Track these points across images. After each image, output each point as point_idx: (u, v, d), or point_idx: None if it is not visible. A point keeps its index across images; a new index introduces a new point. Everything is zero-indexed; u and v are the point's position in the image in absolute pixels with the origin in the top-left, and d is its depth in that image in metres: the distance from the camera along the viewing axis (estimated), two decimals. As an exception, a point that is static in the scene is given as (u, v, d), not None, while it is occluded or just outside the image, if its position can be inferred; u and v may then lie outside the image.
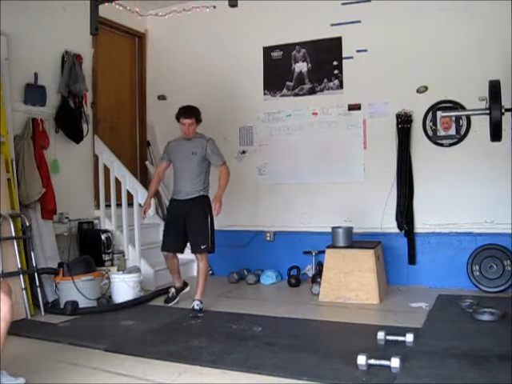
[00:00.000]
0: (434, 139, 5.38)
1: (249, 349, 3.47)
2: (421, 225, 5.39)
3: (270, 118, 6.06)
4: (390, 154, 5.45)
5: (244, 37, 6.12)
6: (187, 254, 6.12)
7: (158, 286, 5.40)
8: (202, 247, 4.50)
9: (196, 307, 4.40)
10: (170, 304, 4.70)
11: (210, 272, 6.28)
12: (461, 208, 5.22)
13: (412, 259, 5.41)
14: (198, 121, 4.62)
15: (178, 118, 4.58)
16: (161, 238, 4.89)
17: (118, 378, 3.04)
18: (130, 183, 5.81)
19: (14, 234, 4.48)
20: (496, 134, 4.01)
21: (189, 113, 4.56)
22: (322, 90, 5.84)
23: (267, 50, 6.08)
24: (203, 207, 4.56)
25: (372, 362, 2.99)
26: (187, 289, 4.88)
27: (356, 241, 5.13)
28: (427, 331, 3.76)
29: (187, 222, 4.54)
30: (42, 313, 4.50)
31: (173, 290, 4.80)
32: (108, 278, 4.95)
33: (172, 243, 4.63)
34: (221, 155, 4.66)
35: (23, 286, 4.43)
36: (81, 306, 4.53)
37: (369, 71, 5.57)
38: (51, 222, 5.07)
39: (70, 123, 5.41)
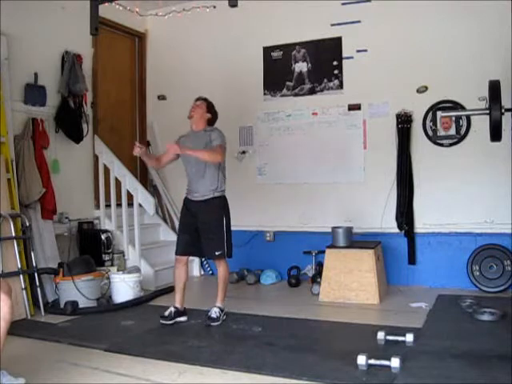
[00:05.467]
0: (434, 139, 5.38)
1: (249, 349, 3.47)
2: (421, 225, 5.39)
3: (270, 118, 6.06)
4: (390, 154, 5.45)
5: (244, 37, 6.12)
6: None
7: (157, 286, 5.40)
8: (217, 253, 4.13)
9: (213, 315, 4.09)
10: (163, 322, 4.13)
11: (210, 272, 6.29)
12: (461, 208, 5.22)
13: (412, 259, 5.41)
14: (211, 112, 4.30)
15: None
16: (161, 238, 4.84)
17: (118, 378, 3.04)
18: (130, 183, 5.81)
19: (14, 234, 4.49)
20: (496, 134, 4.01)
21: (201, 97, 4.34)
22: (322, 90, 5.84)
23: (267, 50, 6.08)
24: (218, 210, 4.17)
25: (372, 362, 2.99)
26: (184, 318, 4.24)
27: (356, 241, 5.13)
28: (427, 331, 3.76)
29: (200, 226, 4.16)
30: (42, 313, 4.51)
31: (171, 309, 4.20)
32: (108, 278, 4.95)
33: (185, 246, 4.21)
34: (222, 140, 4.17)
35: (23, 286, 4.43)
36: (81, 306, 4.53)
37: (369, 71, 5.57)
38: (51, 222, 5.07)
39: (69, 123, 5.42)
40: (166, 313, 4.18)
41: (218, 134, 4.21)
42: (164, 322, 4.13)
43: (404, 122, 5.40)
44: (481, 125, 4.87)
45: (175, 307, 4.23)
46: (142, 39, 6.69)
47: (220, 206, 4.20)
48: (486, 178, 5.12)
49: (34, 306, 4.51)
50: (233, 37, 6.17)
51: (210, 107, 4.34)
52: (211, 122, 4.34)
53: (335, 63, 5.75)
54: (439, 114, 5.24)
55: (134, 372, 3.12)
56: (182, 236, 4.27)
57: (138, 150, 4.19)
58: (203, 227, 4.16)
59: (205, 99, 4.35)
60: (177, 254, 4.27)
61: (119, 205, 5.73)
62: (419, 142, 5.41)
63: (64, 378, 3.03)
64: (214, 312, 4.13)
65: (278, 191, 6.01)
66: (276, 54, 6.05)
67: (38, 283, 4.58)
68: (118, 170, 5.79)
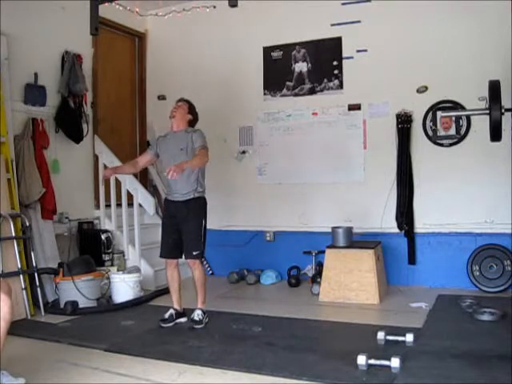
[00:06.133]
0: (434, 139, 5.37)
1: (249, 349, 3.47)
2: (421, 225, 5.39)
3: (270, 118, 6.06)
4: (390, 154, 5.45)
5: (244, 37, 6.12)
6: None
7: (158, 286, 5.40)
8: (195, 253, 4.12)
9: (196, 318, 4.10)
10: (164, 325, 4.11)
11: (210, 272, 6.29)
12: (461, 208, 5.22)
13: (412, 259, 5.41)
14: (192, 113, 4.30)
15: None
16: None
17: (118, 378, 3.04)
18: (130, 183, 5.81)
19: (14, 234, 4.49)
20: (496, 134, 4.01)
21: (183, 98, 4.36)
22: (322, 90, 5.84)
23: (267, 50, 6.08)
24: (198, 211, 4.19)
25: (372, 361, 2.99)
26: (184, 319, 4.23)
27: (356, 241, 5.13)
28: (427, 331, 3.76)
29: (181, 227, 4.18)
30: (42, 313, 4.51)
31: (171, 312, 4.20)
32: (108, 278, 4.95)
33: (169, 248, 4.23)
34: (204, 141, 4.17)
35: (23, 286, 4.44)
36: (81, 306, 4.53)
37: (369, 71, 5.57)
38: (51, 222, 5.07)
39: (70, 123, 5.41)
40: (166, 315, 4.18)
41: (200, 134, 4.22)
42: (164, 325, 4.12)
43: (404, 122, 5.40)
44: (481, 125, 4.87)
45: (174, 309, 4.23)
46: (142, 39, 6.69)
47: (200, 206, 4.22)
48: (486, 178, 5.12)
49: (34, 306, 4.52)
50: (233, 37, 6.17)
51: (192, 109, 4.36)
52: (192, 123, 4.34)
53: (335, 63, 5.75)
54: (439, 113, 5.24)
55: (133, 372, 3.12)
56: (165, 239, 4.27)
57: (105, 176, 4.53)
58: (183, 227, 4.17)
59: (186, 100, 4.37)
60: (161, 256, 4.28)
61: (119, 205, 5.73)
62: (419, 142, 5.41)
63: (64, 378, 3.03)
64: (197, 315, 4.12)
65: (277, 191, 6.01)
66: (276, 54, 6.05)
67: (37, 283, 4.58)
68: (118, 170, 5.79)
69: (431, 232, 5.36)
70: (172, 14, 6.33)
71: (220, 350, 3.46)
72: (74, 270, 4.64)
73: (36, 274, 4.61)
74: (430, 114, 5.37)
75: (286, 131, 5.98)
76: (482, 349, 3.31)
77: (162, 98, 6.65)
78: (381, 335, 3.44)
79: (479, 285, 5.03)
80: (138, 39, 6.68)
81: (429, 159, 5.36)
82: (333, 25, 5.68)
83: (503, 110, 3.94)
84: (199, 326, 4.07)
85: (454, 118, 5.25)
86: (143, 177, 6.59)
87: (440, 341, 3.48)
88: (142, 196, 5.85)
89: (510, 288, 4.93)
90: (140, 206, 5.81)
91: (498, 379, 2.82)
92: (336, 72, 5.76)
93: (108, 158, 5.79)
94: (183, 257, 4.24)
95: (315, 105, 5.84)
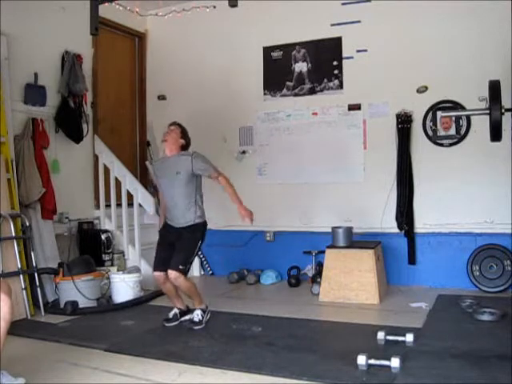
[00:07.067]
0: (434, 139, 5.38)
1: (249, 349, 3.47)
2: (421, 225, 5.39)
3: (270, 118, 6.06)
4: (390, 154, 5.45)
5: (244, 37, 6.12)
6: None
7: (157, 286, 5.39)
8: (181, 267, 3.98)
9: (195, 319, 4.08)
10: (168, 325, 4.12)
11: (210, 272, 6.29)
12: (461, 208, 5.22)
13: (412, 259, 5.41)
14: (185, 138, 4.28)
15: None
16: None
17: (118, 378, 3.04)
18: (130, 183, 5.82)
19: (14, 234, 4.49)
20: (496, 134, 4.01)
21: (175, 122, 4.35)
22: (322, 90, 5.84)
23: (267, 50, 6.08)
24: (195, 234, 4.15)
25: (372, 361, 2.99)
26: (188, 316, 4.20)
27: (356, 241, 5.13)
28: (427, 331, 3.76)
29: (176, 242, 4.14)
30: (42, 313, 4.51)
31: (175, 311, 4.21)
32: (108, 278, 4.95)
33: (161, 263, 4.13)
34: (213, 165, 4.21)
35: (23, 286, 4.44)
36: (81, 306, 4.53)
37: (369, 71, 5.57)
38: (51, 222, 5.07)
39: (70, 123, 5.42)
40: (170, 315, 4.18)
41: (202, 159, 4.18)
42: (168, 324, 4.11)
43: (404, 122, 5.40)
44: (481, 125, 4.86)
45: (178, 308, 4.23)
46: (142, 39, 6.69)
47: (200, 230, 4.19)
48: (486, 178, 5.12)
49: (34, 306, 4.52)
50: (233, 37, 6.17)
51: (184, 133, 4.32)
52: (184, 147, 4.30)
53: (335, 63, 5.75)
54: (439, 113, 5.24)
55: (133, 372, 3.12)
56: (158, 256, 4.21)
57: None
58: (178, 243, 4.12)
59: (179, 124, 4.34)
60: (154, 271, 4.20)
61: (119, 205, 5.73)
62: (419, 142, 5.41)
63: (64, 378, 3.03)
64: (196, 315, 4.10)
65: (278, 191, 6.01)
66: (276, 54, 6.05)
67: (37, 283, 4.58)
68: (118, 170, 5.79)
69: (431, 232, 5.36)
70: (172, 13, 6.33)
71: (220, 350, 3.46)
72: (74, 270, 4.64)
73: (36, 274, 4.61)
74: (430, 114, 5.37)
75: (286, 131, 5.98)
76: (482, 349, 3.31)
77: (162, 97, 6.65)
78: (381, 335, 3.44)
79: (479, 285, 5.03)
80: (137, 39, 6.68)
81: (429, 159, 5.36)
82: (333, 25, 5.68)
83: (503, 110, 3.93)
84: (200, 327, 4.05)
85: (453, 118, 5.25)
86: (143, 177, 6.59)
87: (440, 341, 3.48)
88: (142, 196, 5.85)
89: (510, 288, 4.93)
90: (140, 205, 5.81)
91: (497, 379, 2.82)
92: (336, 72, 5.76)
93: (108, 158, 5.79)
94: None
95: (315, 105, 5.84)
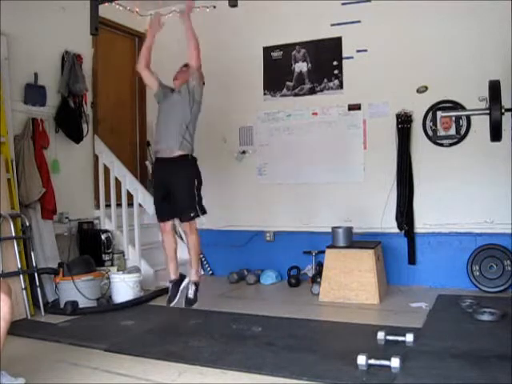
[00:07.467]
0: (434, 139, 5.38)
1: (249, 349, 3.46)
2: (421, 225, 5.39)
3: (270, 118, 6.06)
4: (390, 154, 5.45)
5: (244, 37, 6.12)
6: (187, 254, 6.17)
7: (157, 286, 5.40)
8: (192, 215, 4.07)
9: (191, 295, 4.08)
10: (173, 303, 4.20)
11: (210, 272, 6.29)
12: (461, 208, 5.22)
13: (412, 259, 5.41)
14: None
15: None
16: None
17: (118, 378, 3.04)
18: (130, 183, 5.82)
19: (14, 234, 4.49)
20: (496, 134, 4.01)
21: (186, 63, 4.40)
22: (322, 90, 5.84)
23: (267, 50, 6.08)
24: (188, 170, 4.17)
25: (372, 361, 2.99)
26: (185, 281, 4.29)
27: (356, 241, 5.13)
28: (427, 331, 3.76)
29: (172, 189, 4.15)
30: (42, 313, 4.51)
31: (169, 286, 4.30)
32: (108, 278, 4.94)
33: (167, 211, 4.19)
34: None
35: (23, 286, 4.43)
36: (81, 306, 4.53)
37: (369, 71, 5.57)
38: (51, 222, 5.07)
39: (70, 123, 5.41)
40: (169, 294, 4.25)
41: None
42: (172, 303, 4.19)
43: (404, 122, 5.40)
44: (481, 125, 4.86)
45: (172, 280, 4.25)
46: (142, 39, 6.63)
47: (189, 164, 4.20)
48: (486, 178, 5.12)
49: (34, 306, 4.51)
50: (233, 37, 6.16)
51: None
52: None
53: (335, 63, 5.75)
54: (439, 113, 5.24)
55: (133, 372, 3.12)
56: (158, 204, 4.29)
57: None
58: (176, 191, 4.13)
59: (187, 65, 4.42)
60: (160, 221, 4.29)
61: (119, 205, 5.73)
62: (419, 142, 5.41)
63: (64, 378, 3.03)
64: (192, 292, 4.10)
65: (278, 191, 6.01)
66: (276, 54, 6.05)
67: (38, 283, 4.58)
68: (118, 170, 5.79)
69: (431, 232, 5.36)
70: (172, 13, 6.32)
71: (220, 349, 3.46)
72: (74, 270, 4.64)
73: (36, 274, 4.61)
74: (430, 114, 5.37)
75: (286, 131, 5.98)
76: (482, 349, 3.31)
77: (162, 97, 6.63)
78: (381, 335, 3.43)
79: (479, 285, 5.03)
80: (138, 39, 6.68)
81: (429, 159, 5.36)
82: (333, 25, 5.68)
83: (503, 110, 3.93)
84: (195, 305, 4.06)
85: (453, 118, 5.25)
86: (143, 177, 6.59)
87: (440, 341, 3.48)
88: (142, 196, 5.85)
89: (510, 288, 4.93)
90: (140, 205, 5.81)
91: (498, 379, 2.82)
92: (336, 72, 5.76)
93: (108, 158, 5.79)
94: (179, 226, 4.24)
95: (315, 105, 5.84)
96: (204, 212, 4.22)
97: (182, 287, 4.25)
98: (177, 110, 4.24)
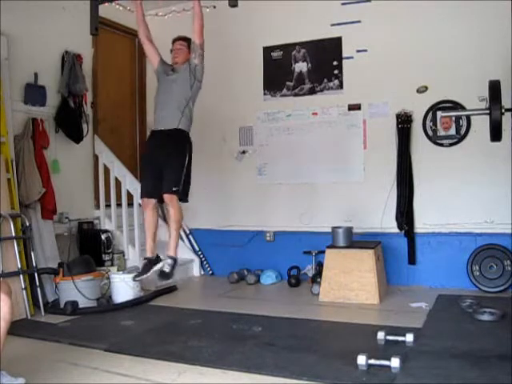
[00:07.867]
0: (434, 139, 5.37)
1: (249, 349, 3.47)
2: (421, 225, 5.39)
3: (270, 118, 6.06)
4: (390, 154, 5.45)
5: (244, 37, 6.12)
6: (187, 254, 6.18)
7: (157, 286, 5.38)
8: (174, 189, 3.95)
9: (166, 269, 3.93)
10: (140, 278, 4.06)
11: (210, 272, 6.29)
12: (461, 208, 5.22)
13: (412, 259, 5.41)
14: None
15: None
16: (161, 238, 4.81)
17: (117, 378, 3.04)
18: (130, 183, 5.82)
19: (14, 234, 4.48)
20: (496, 134, 4.01)
21: (180, 37, 4.38)
22: (322, 90, 5.84)
23: (267, 50, 6.08)
24: (182, 146, 4.10)
25: (372, 361, 2.99)
26: (159, 265, 4.05)
27: (356, 241, 5.13)
28: (427, 331, 3.76)
29: (162, 161, 4.05)
30: (42, 313, 4.51)
31: (144, 262, 4.14)
32: (108, 278, 4.95)
33: (151, 187, 4.09)
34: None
35: (23, 286, 4.43)
36: (81, 306, 4.53)
37: (369, 71, 5.57)
38: (51, 222, 5.07)
39: (69, 123, 5.41)
40: (140, 268, 4.13)
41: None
42: (138, 278, 4.09)
43: (404, 122, 5.40)
44: (481, 125, 4.86)
45: (146, 258, 4.12)
46: (142, 39, 6.67)
47: (186, 142, 4.14)
48: (486, 178, 5.12)
49: (34, 306, 4.51)
50: (233, 37, 6.16)
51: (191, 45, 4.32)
52: None
53: (335, 63, 5.75)
54: (439, 114, 5.23)
55: (133, 372, 3.12)
56: (145, 179, 4.22)
57: None
58: (167, 163, 4.05)
59: (183, 38, 4.39)
60: (141, 196, 4.20)
61: (119, 205, 5.73)
62: (419, 142, 5.40)
63: (64, 378, 3.03)
64: (167, 265, 3.96)
65: (277, 191, 6.01)
66: (276, 54, 6.05)
67: (38, 283, 4.58)
68: (118, 170, 5.80)
69: (431, 232, 5.36)
70: (172, 13, 6.33)
71: (220, 349, 3.46)
72: (74, 270, 4.64)
73: (36, 274, 4.61)
74: (430, 114, 5.37)
75: (286, 131, 5.98)
76: (482, 349, 3.31)
77: (162, 97, 6.64)
78: (381, 335, 3.44)
79: (479, 285, 5.03)
80: (138, 39, 6.66)
81: (429, 159, 5.36)
82: (333, 25, 5.68)
83: (503, 110, 3.93)
84: (169, 280, 3.94)
85: (453, 118, 5.25)
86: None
87: (440, 341, 3.48)
88: (142, 196, 5.84)
89: (510, 288, 4.93)
90: (140, 206, 5.79)
91: (498, 379, 2.82)
92: (336, 72, 5.76)
93: (108, 158, 5.80)
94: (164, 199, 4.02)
95: (315, 105, 5.84)
96: (186, 196, 4.08)
97: (155, 268, 4.04)
98: (177, 87, 4.21)
